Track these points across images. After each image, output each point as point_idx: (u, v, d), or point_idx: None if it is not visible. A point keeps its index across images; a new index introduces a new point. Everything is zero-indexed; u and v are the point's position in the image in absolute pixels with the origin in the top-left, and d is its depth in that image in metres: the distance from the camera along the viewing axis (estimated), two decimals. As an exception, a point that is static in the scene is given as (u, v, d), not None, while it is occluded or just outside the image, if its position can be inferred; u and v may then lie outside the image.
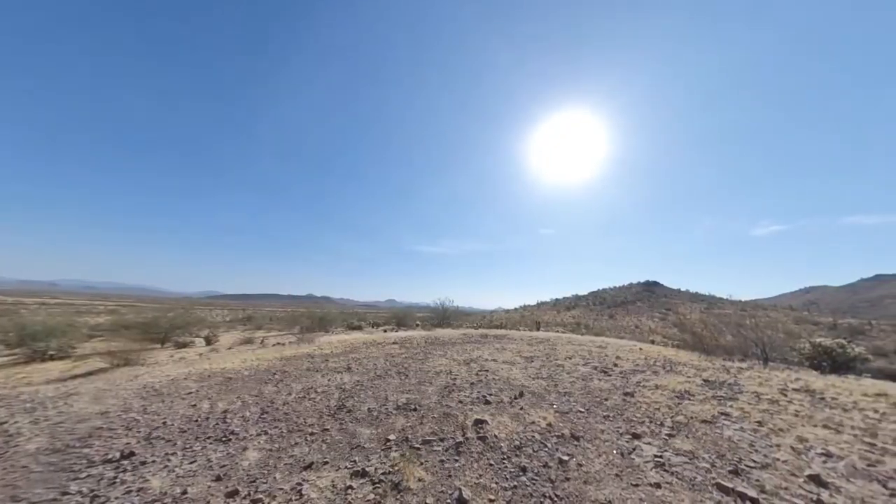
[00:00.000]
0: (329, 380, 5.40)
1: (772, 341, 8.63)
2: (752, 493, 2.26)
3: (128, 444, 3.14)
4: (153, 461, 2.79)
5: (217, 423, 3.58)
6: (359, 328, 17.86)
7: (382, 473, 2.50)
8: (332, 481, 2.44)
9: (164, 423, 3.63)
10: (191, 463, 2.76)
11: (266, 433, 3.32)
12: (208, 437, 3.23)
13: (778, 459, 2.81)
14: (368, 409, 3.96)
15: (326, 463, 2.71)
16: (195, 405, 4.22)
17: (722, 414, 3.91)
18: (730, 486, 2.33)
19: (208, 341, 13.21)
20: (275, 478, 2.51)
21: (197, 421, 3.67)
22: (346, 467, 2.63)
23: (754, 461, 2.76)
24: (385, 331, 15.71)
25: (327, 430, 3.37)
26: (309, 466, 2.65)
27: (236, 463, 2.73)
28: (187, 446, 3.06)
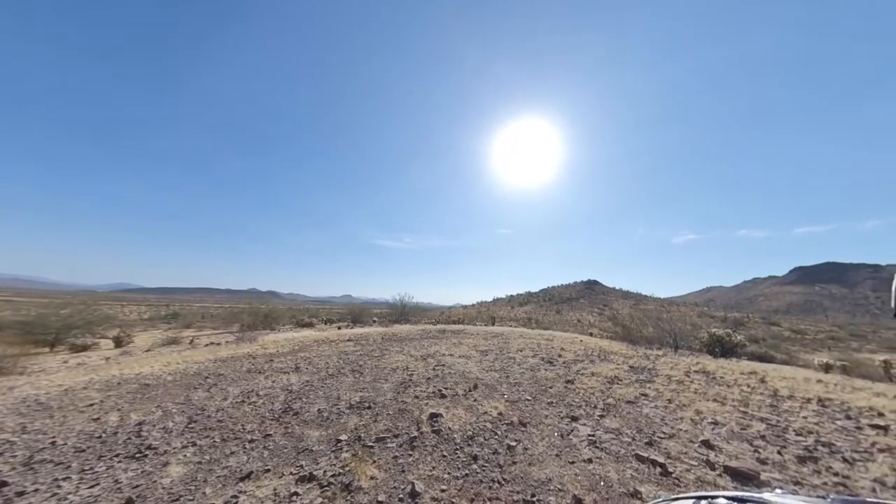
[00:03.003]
0: (273, 381, 4.97)
1: (681, 332, 10.39)
2: (661, 459, 2.68)
3: (-3, 472, 2.51)
4: (36, 489, 2.28)
5: (129, 438, 3.06)
6: (310, 325, 16.71)
7: (332, 475, 2.40)
8: (275, 489, 2.26)
9: (52, 442, 2.99)
10: (91, 487, 2.31)
11: (194, 444, 2.94)
12: (116, 455, 2.74)
13: (681, 430, 3.37)
14: (318, 409, 3.75)
15: (268, 471, 2.50)
16: (98, 418, 3.55)
17: (642, 395, 4.55)
18: (645, 455, 2.74)
19: (118, 342, 11.13)
20: (204, 493, 2.24)
21: (101, 437, 3.09)
22: (290, 473, 2.46)
23: (664, 433, 3.28)
24: (339, 328, 14.97)
25: (270, 435, 3.11)
26: (247, 476, 2.42)
27: (154, 481, 2.37)
28: (86, 468, 2.56)
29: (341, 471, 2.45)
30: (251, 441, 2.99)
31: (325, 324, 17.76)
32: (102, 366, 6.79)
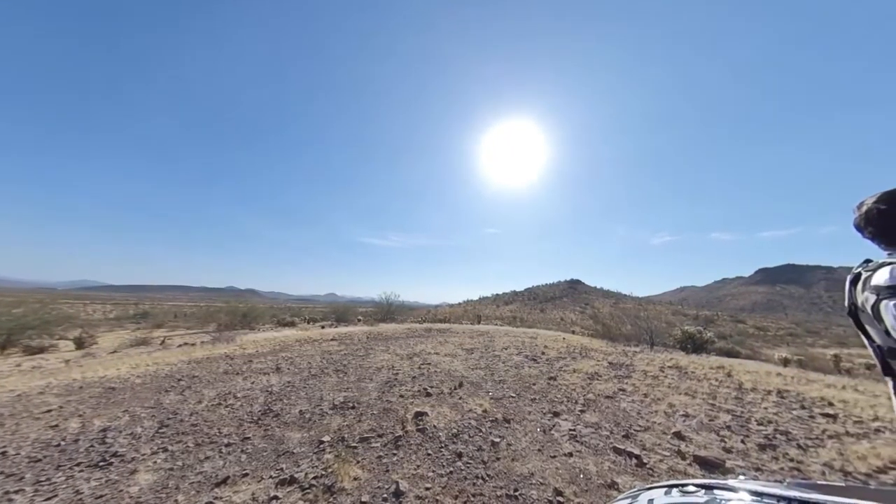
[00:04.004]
0: (252, 382, 4.80)
1: (657, 330, 10.92)
2: (637, 451, 2.81)
3: (-64, 487, 2.29)
4: (-17, 505, 2.10)
5: (92, 446, 2.86)
6: (292, 325, 16.23)
7: (314, 478, 2.35)
8: (253, 494, 2.19)
9: (2, 452, 2.75)
10: (48, 499, 2.15)
11: (165, 450, 2.79)
12: (77, 464, 2.56)
13: (655, 422, 3.54)
14: (300, 411, 3.65)
15: (246, 475, 2.41)
16: (57, 425, 3.30)
17: (620, 390, 4.74)
18: (622, 447, 2.86)
19: (80, 344, 10.38)
20: (176, 501, 2.13)
21: (59, 445, 2.88)
22: (270, 477, 2.39)
23: (640, 425, 3.43)
24: (323, 327, 14.63)
25: (248, 438, 3.00)
26: (223, 482, 2.32)
27: (120, 490, 2.24)
28: (42, 478, 2.38)
29: (324, 472, 2.41)
30: (228, 445, 2.88)
31: (308, 323, 17.31)
32: (62, 369, 6.31)
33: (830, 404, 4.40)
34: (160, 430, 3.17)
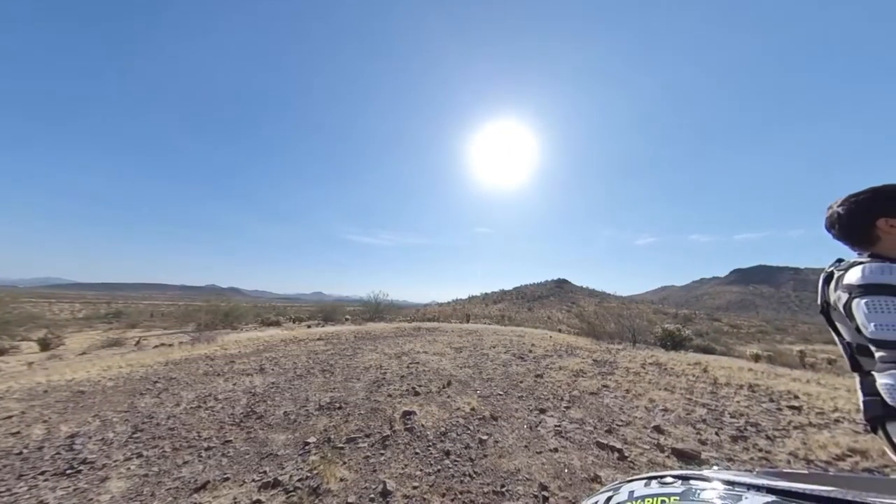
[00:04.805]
0: (235, 384, 4.65)
1: (639, 328, 11.31)
2: (619, 445, 2.90)
3: None
4: (-67, 519, 1.95)
5: (58, 453, 2.70)
6: (276, 324, 15.83)
7: (298, 480, 2.30)
8: (234, 499, 2.12)
9: (-44, 463, 2.56)
10: (8, 511, 2.02)
11: (140, 455, 2.67)
12: (42, 473, 2.41)
13: (636, 417, 3.67)
14: (285, 412, 3.57)
15: (227, 479, 2.34)
16: (18, 432, 3.10)
17: (604, 386, 4.88)
18: (605, 442, 2.94)
19: (45, 345, 9.76)
20: (151, 508, 2.04)
21: (21, 453, 2.70)
22: (253, 480, 2.32)
23: (622, 420, 3.55)
24: (309, 326, 14.34)
25: (230, 441, 2.91)
26: (203, 487, 2.24)
27: (90, 499, 2.12)
28: (2, 489, 2.22)
29: (309, 474, 2.36)
30: (208, 449, 2.78)
31: (294, 322, 16.92)
32: (24, 372, 5.92)
33: (796, 397, 4.68)
34: (134, 435, 3.03)
